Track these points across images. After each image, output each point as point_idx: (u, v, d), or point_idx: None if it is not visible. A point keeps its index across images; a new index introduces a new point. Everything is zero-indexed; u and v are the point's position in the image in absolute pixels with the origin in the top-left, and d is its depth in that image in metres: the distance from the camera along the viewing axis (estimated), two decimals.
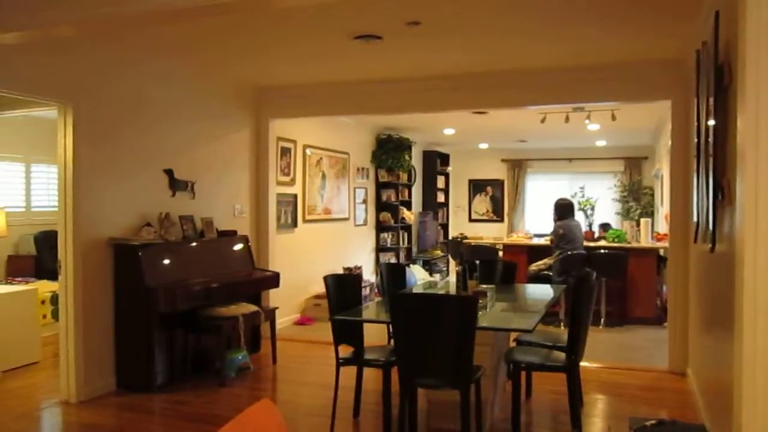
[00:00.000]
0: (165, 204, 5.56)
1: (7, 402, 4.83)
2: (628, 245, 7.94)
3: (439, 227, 12.68)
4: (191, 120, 5.95)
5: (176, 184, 5.71)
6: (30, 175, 8.22)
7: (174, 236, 5.43)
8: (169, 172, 5.65)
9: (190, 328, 5.33)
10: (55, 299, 6.51)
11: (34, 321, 6.06)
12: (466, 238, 9.86)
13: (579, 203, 9.12)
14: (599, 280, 7.11)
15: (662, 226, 8.73)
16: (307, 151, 8.23)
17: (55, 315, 6.33)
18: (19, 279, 6.97)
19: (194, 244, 5.66)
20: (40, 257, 7.85)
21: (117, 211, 5.12)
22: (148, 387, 4.99)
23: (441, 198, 12.82)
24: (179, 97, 5.81)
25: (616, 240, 8.07)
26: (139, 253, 4.95)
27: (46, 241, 7.76)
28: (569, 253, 7.40)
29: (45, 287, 6.67)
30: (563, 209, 7.75)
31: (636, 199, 11.56)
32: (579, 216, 8.29)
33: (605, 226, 9.30)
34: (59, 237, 4.85)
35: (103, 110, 4.99)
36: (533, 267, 7.71)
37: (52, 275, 6.54)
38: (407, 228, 11.39)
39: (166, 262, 5.23)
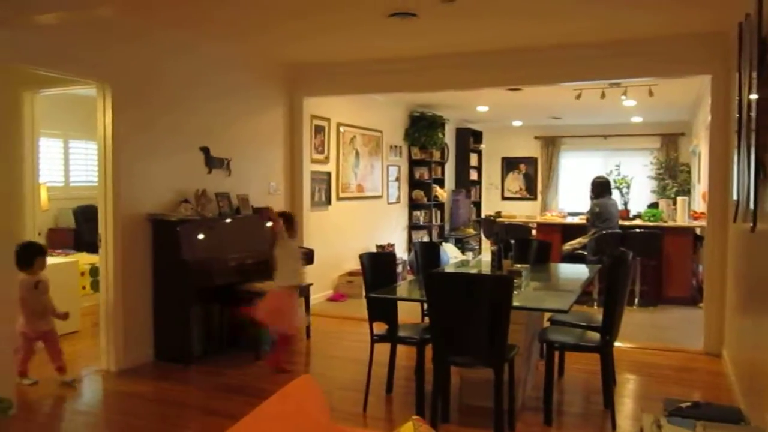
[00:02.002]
0: (201, 181, 5.64)
1: (50, 368, 5.00)
2: (664, 224, 7.81)
3: (472, 205, 12.61)
4: (227, 98, 6.00)
5: (212, 162, 5.78)
6: (68, 151, 8.39)
7: (210, 212, 5.51)
8: (205, 150, 5.72)
9: (226, 302, 5.43)
10: (94, 271, 6.68)
11: (75, 292, 6.23)
12: (499, 216, 9.80)
13: (614, 181, 8.96)
14: (634, 260, 7.03)
15: (699, 205, 8.56)
16: (341, 128, 8.24)
17: (94, 286, 6.49)
18: (59, 251, 7.15)
19: (230, 220, 5.74)
20: (78, 230, 8.05)
21: (155, 187, 5.21)
22: (185, 358, 5.11)
23: (474, 176, 12.74)
24: (216, 77, 5.85)
25: (651, 219, 7.94)
26: (177, 229, 5.04)
27: (84, 214, 7.95)
28: (604, 232, 7.31)
29: (84, 259, 6.84)
30: (600, 187, 7.64)
31: (672, 176, 11.33)
32: (615, 194, 8.16)
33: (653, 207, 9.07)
34: (99, 212, 4.96)
35: (141, 89, 5.06)
36: (567, 246, 7.64)
37: (91, 248, 6.71)
38: (440, 206, 11.36)
39: (203, 237, 5.31)
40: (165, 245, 5.10)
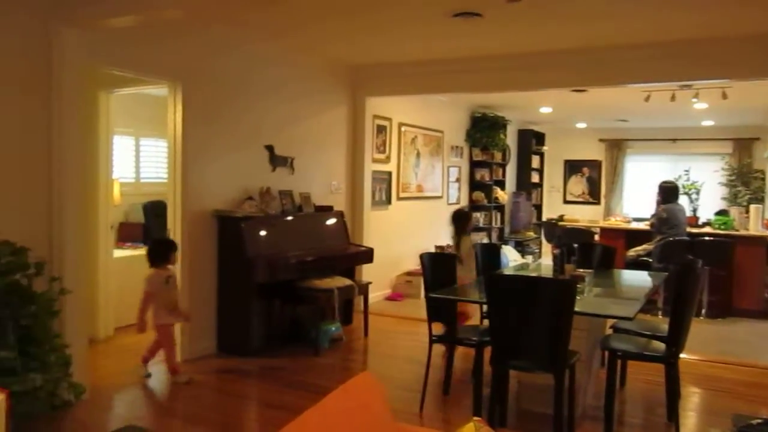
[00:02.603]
0: (266, 179, 5.76)
1: (119, 357, 5.22)
2: (735, 232, 7.50)
3: (533, 208, 12.42)
4: (291, 98, 6.11)
5: (276, 160, 5.89)
6: (139, 148, 8.70)
7: (274, 210, 5.63)
8: (269, 148, 5.83)
9: (286, 298, 5.53)
10: None
11: (142, 283, 6.44)
12: (561, 220, 9.62)
13: (683, 186, 8.66)
14: (703, 269, 6.77)
15: None
16: (403, 128, 8.26)
17: None
18: (129, 244, 7.42)
19: (292, 218, 5.84)
20: (147, 225, 8.33)
21: (221, 184, 5.35)
22: (246, 351, 5.23)
23: (535, 178, 12.54)
24: (280, 76, 5.97)
25: (722, 227, 7.64)
26: (242, 225, 5.16)
27: (153, 210, 8.21)
28: (670, 239, 7.08)
29: None
30: (668, 192, 7.40)
31: (745, 183, 10.85)
32: (683, 200, 7.90)
33: (722, 214, 8.76)
34: (168, 208, 5.13)
35: (210, 88, 5.21)
36: (632, 252, 7.44)
37: None
38: (500, 208, 11.24)
39: (266, 234, 5.43)
40: (229, 241, 5.24)
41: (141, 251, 6.76)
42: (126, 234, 8.11)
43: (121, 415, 4.12)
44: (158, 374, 4.91)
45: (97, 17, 3.96)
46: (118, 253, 6.33)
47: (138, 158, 8.70)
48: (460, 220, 5.52)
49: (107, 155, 5.71)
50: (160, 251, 4.72)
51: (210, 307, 5.33)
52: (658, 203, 7.41)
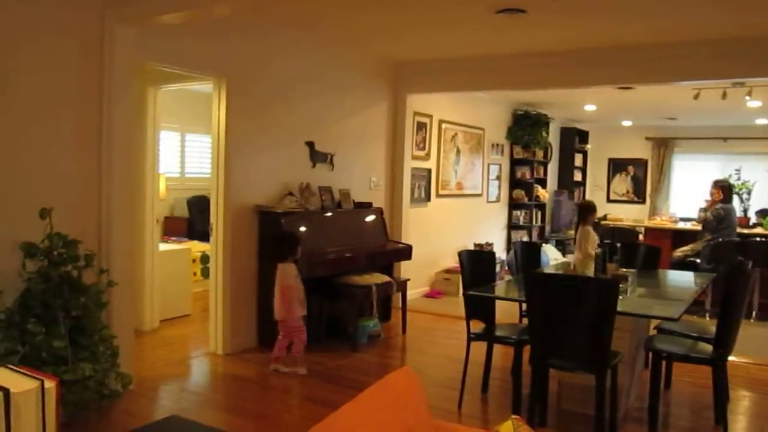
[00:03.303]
0: (306, 174, 5.81)
1: (164, 348, 5.33)
2: None
3: (575, 207, 12.23)
4: (332, 94, 6.15)
5: (316, 156, 5.93)
6: (184, 143, 8.88)
7: (313, 206, 5.67)
8: (310, 144, 5.88)
9: (325, 294, 5.56)
10: (204, 259, 7.05)
11: (187, 277, 6.60)
12: (605, 219, 9.45)
13: (734, 186, 8.41)
14: (754, 270, 6.57)
15: None
16: (443, 126, 8.23)
17: (205, 273, 6.85)
18: (173, 238, 7.59)
19: (331, 213, 5.87)
20: (191, 219, 8.50)
21: (262, 180, 5.42)
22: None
23: (578, 177, 12.35)
24: (322, 72, 6.01)
25: None
26: (282, 220, 5.21)
27: (197, 204, 8.39)
28: (720, 240, 6.88)
29: (196, 247, 7.23)
30: (727, 191, 7.20)
31: None
32: (734, 200, 7.68)
33: (764, 212, 8.54)
34: (211, 202, 5.22)
35: (253, 85, 5.27)
36: (678, 252, 7.26)
37: (202, 236, 7.08)
38: (541, 206, 11.10)
39: (305, 229, 5.47)
40: (270, 236, 5.29)
41: (185, 246, 6.93)
42: (171, 228, 8.31)
43: (167, 405, 4.21)
44: (199, 366, 5.01)
45: (148, 14, 4.06)
46: (164, 246, 6.47)
47: (183, 153, 8.89)
48: (581, 210, 5.92)
49: (154, 150, 5.84)
50: (288, 246, 4.84)
51: (251, 301, 5.40)
52: (715, 202, 7.19)
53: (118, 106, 4.11)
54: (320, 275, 5.38)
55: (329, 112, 6.14)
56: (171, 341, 5.58)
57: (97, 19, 4.02)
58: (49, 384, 1.93)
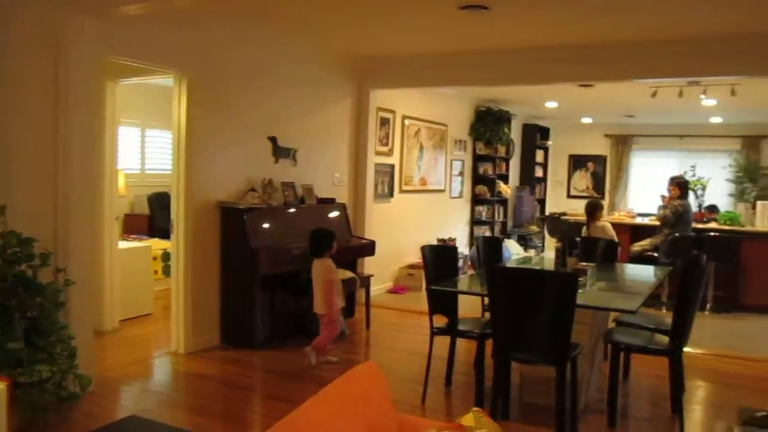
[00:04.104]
0: (268, 170, 5.76)
1: (124, 349, 5.23)
2: (742, 228, 7.48)
3: (536, 202, 12.41)
4: (295, 90, 6.10)
5: (279, 152, 5.89)
6: (145, 139, 8.71)
7: (276, 201, 5.63)
8: (273, 140, 5.83)
9: (290, 290, 5.53)
10: (166, 256, 6.93)
11: (148, 276, 6.48)
12: (564, 214, 9.61)
13: (690, 182, 8.65)
14: (708, 264, 6.77)
15: None
16: (406, 121, 8.25)
17: (166, 271, 6.74)
18: (134, 236, 7.44)
19: (294, 209, 5.84)
20: (152, 216, 8.35)
21: (225, 175, 5.35)
22: (249, 343, 5.25)
23: (539, 173, 12.53)
24: (286, 68, 5.96)
25: (728, 223, 7.62)
26: (245, 217, 5.17)
27: (159, 201, 8.25)
28: (676, 235, 7.06)
29: (157, 245, 7.10)
30: (685, 187, 7.39)
31: (753, 180, 10.80)
32: (690, 196, 7.89)
33: (713, 209, 8.80)
34: (172, 199, 5.14)
35: (215, 79, 5.20)
36: (636, 247, 7.43)
37: (163, 234, 6.97)
38: (503, 202, 11.23)
39: (269, 226, 5.43)
40: (233, 232, 5.24)
41: (146, 243, 6.80)
42: (131, 226, 8.15)
43: (127, 406, 4.12)
44: (161, 366, 4.93)
45: (109, 5, 3.97)
46: (123, 244, 6.34)
47: (143, 149, 8.72)
48: (588, 209, 6.89)
49: (113, 146, 5.72)
50: (325, 241, 4.99)
51: (214, 299, 5.34)
52: (672, 198, 7.36)
53: (76, 100, 4.00)
54: (285, 271, 5.35)
55: (292, 107, 6.10)
56: (132, 341, 5.48)
57: (54, 10, 3.90)
58: (0, 386, 1.88)
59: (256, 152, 5.69)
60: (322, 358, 4.97)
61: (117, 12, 4.05)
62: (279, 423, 1.62)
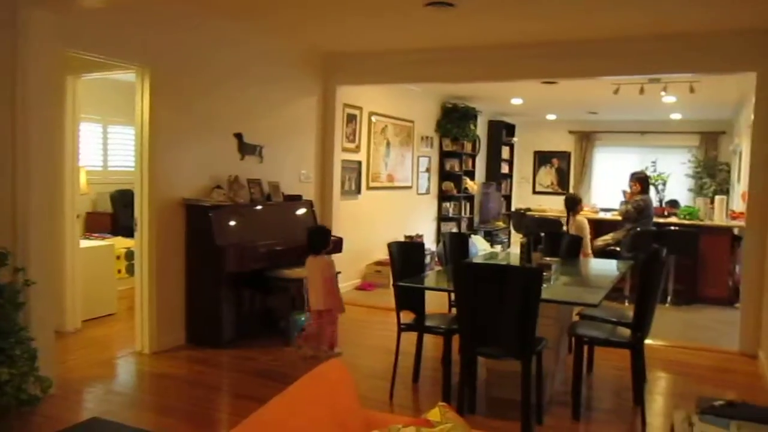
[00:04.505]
0: (234, 167, 5.71)
1: (87, 350, 5.13)
2: (701, 223, 7.67)
3: (502, 198, 12.54)
4: (261, 85, 6.05)
5: (245, 148, 5.84)
6: (107, 135, 8.55)
7: (242, 199, 5.58)
8: (238, 136, 5.78)
9: (256, 288, 5.50)
10: (129, 255, 6.82)
11: (111, 275, 6.37)
12: (529, 210, 9.73)
13: (650, 178, 8.84)
14: (669, 258, 6.93)
15: (738, 204, 8.37)
16: (373, 118, 8.25)
17: (130, 270, 6.63)
18: (96, 235, 7.30)
19: (261, 207, 5.80)
20: (115, 214, 8.20)
21: (189, 172, 5.29)
22: (216, 342, 5.20)
23: (505, 169, 12.66)
24: (251, 63, 5.91)
25: (687, 217, 7.81)
26: (210, 214, 5.11)
27: (122, 199, 8.10)
28: (638, 229, 7.21)
29: (120, 243, 6.98)
30: (646, 182, 7.56)
31: (711, 175, 11.09)
32: (651, 191, 8.06)
33: (674, 203, 9.02)
34: (135, 196, 5.06)
35: (179, 74, 5.13)
36: (599, 241, 7.56)
37: (127, 232, 6.83)
38: (470, 198, 11.32)
39: (235, 223, 5.38)
40: (198, 230, 5.18)
41: (109, 242, 6.68)
42: (94, 224, 8.00)
43: (90, 408, 4.05)
44: (125, 366, 4.86)
45: None
46: (85, 243, 6.22)
47: (106, 146, 8.56)
48: (567, 203, 7.31)
49: (74, 142, 5.60)
50: (323, 239, 5.14)
51: (179, 298, 5.27)
52: (634, 194, 7.51)
53: (34, 96, 3.90)
54: (251, 269, 5.31)
55: (258, 104, 6.05)
56: (95, 342, 5.38)
57: (10, 3, 3.79)
58: None
59: (221, 149, 5.63)
60: (331, 352, 5.10)
61: (75, 5, 3.97)
62: (245, 422, 1.61)
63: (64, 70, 5.19)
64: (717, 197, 8.23)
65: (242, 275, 5.31)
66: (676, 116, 11.19)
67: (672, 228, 7.49)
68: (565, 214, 7.30)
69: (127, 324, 5.69)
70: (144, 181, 4.96)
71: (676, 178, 11.17)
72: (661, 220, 7.77)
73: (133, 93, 4.99)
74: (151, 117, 4.91)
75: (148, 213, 4.98)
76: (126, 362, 4.93)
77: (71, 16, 4.16)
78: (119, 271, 6.83)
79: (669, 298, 7.35)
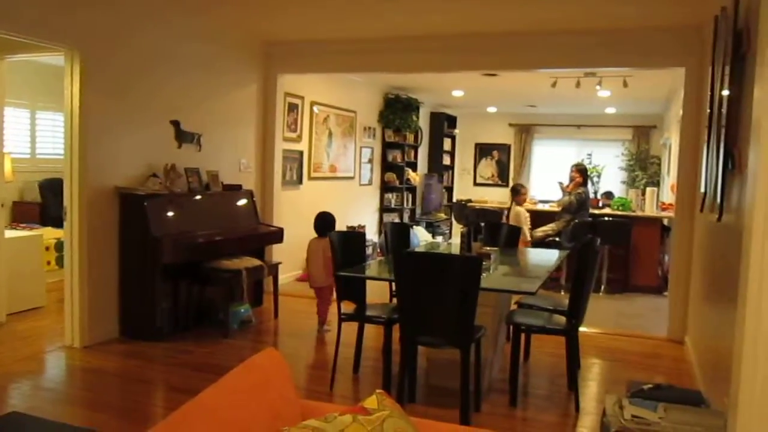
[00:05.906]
0: (171, 155, 5.55)
1: (12, 344, 4.91)
2: (633, 214, 7.93)
3: (444, 190, 12.66)
4: (200, 72, 5.90)
5: (183, 136, 5.68)
6: (35, 122, 8.19)
7: (179, 188, 5.43)
8: (175, 124, 5.62)
9: (194, 279, 5.37)
10: (59, 246, 6.56)
11: (39, 267, 6.11)
12: (470, 201, 9.85)
13: (588, 169, 9.11)
14: (603, 247, 7.14)
15: (668, 196, 8.71)
16: (315, 108, 8.17)
17: (60, 262, 6.38)
18: (24, 225, 6.99)
19: (199, 196, 5.66)
20: (44, 204, 7.87)
21: (124, 160, 5.11)
22: (151, 335, 5.05)
23: (447, 161, 12.78)
24: (189, 49, 5.74)
25: (620, 208, 8.06)
26: (145, 203, 4.95)
27: (51, 188, 7.78)
28: (577, 221, 7.41)
29: (50, 234, 6.71)
30: (585, 174, 7.78)
31: (643, 168, 11.50)
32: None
33: (609, 195, 9.30)
34: (65, 185, 4.85)
35: (112, 58, 4.93)
36: (539, 232, 7.72)
37: (57, 222, 6.57)
38: (412, 189, 11.37)
39: (172, 213, 5.24)
40: (132, 220, 5.02)
41: (37, 233, 6.40)
42: (21, 214, 7.66)
43: (15, 405, 3.86)
44: (54, 361, 4.67)
45: None
46: (11, 233, 5.94)
47: (34, 133, 8.20)
48: (512, 193, 7.83)
49: None
50: (330, 224, 5.66)
51: (112, 290, 5.09)
52: (577, 184, 7.68)
53: None
54: (189, 260, 5.18)
55: (197, 91, 5.89)
56: (21, 335, 5.15)
57: None
58: None
59: (157, 136, 5.46)
60: (323, 328, 5.51)
61: None
62: (175, 413, 1.56)
63: None
64: (648, 189, 8.53)
65: (179, 266, 5.17)
66: (610, 110, 11.53)
67: (606, 218, 7.72)
68: (507, 205, 7.47)
69: (57, 317, 5.47)
70: (74, 169, 4.76)
71: (610, 170, 11.54)
72: (596, 211, 8.00)
73: (62, 77, 4.78)
74: (82, 102, 4.71)
75: (79, 202, 4.78)
76: (55, 357, 4.74)
77: None
78: (48, 263, 6.57)
79: (603, 287, 7.58)
